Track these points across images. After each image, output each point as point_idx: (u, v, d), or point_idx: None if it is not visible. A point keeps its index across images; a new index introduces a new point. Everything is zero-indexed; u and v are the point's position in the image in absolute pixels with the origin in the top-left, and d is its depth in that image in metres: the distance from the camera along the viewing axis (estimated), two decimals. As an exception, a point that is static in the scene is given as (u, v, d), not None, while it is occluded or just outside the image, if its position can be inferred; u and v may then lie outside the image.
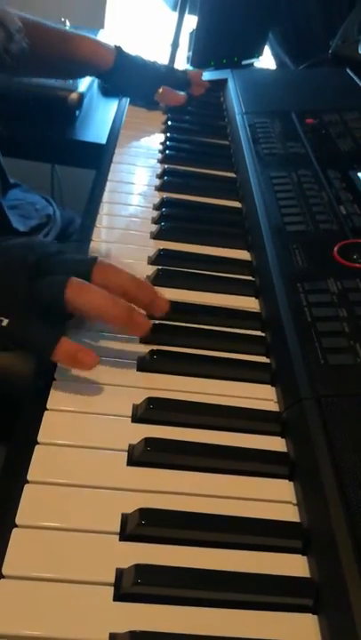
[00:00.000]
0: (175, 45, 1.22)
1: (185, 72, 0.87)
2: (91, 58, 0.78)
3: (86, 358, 0.38)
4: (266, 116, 0.77)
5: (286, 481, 0.37)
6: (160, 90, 0.80)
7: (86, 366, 0.38)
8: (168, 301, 0.42)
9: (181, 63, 1.20)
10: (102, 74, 0.80)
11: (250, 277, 0.54)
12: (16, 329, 0.37)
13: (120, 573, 0.31)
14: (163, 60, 0.89)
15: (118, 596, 0.30)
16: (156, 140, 0.77)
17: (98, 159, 0.73)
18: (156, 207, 0.62)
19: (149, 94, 0.81)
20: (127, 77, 0.80)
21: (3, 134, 0.72)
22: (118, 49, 0.79)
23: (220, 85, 0.91)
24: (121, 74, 0.79)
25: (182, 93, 0.83)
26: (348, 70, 0.91)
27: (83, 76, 0.90)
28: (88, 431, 0.38)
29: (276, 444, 0.39)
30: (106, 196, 0.62)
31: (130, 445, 0.37)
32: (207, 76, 0.91)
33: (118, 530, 0.33)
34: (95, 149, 0.86)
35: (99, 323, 0.42)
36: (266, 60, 1.24)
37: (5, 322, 0.36)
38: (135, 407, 0.40)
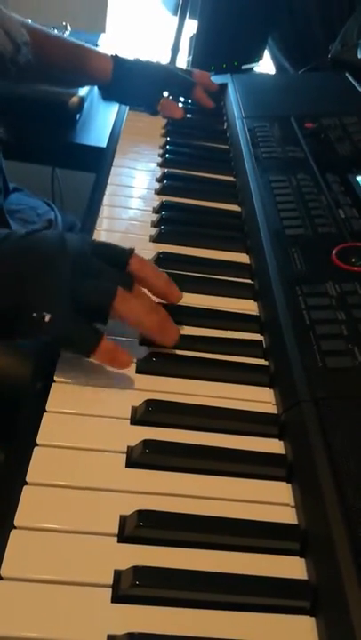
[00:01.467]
0: (175, 50, 1.22)
1: (190, 72, 0.87)
2: (89, 68, 0.78)
3: (123, 357, 0.40)
4: (265, 120, 0.77)
5: (284, 483, 0.37)
6: (162, 101, 0.81)
7: (124, 365, 0.40)
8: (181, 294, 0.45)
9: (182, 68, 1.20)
10: (102, 86, 0.81)
11: (249, 280, 0.54)
12: (58, 326, 0.38)
13: (118, 575, 0.31)
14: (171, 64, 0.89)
15: (116, 598, 0.30)
16: (156, 144, 0.77)
17: (98, 162, 0.74)
18: (156, 210, 0.62)
19: (151, 102, 0.81)
20: (127, 87, 0.80)
21: (4, 138, 0.72)
22: (115, 58, 0.79)
23: (220, 90, 0.92)
24: (121, 84, 0.79)
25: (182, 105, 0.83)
26: (347, 75, 0.91)
27: (81, 85, 0.90)
28: (87, 433, 0.38)
29: (275, 446, 0.39)
30: (106, 200, 0.63)
31: (128, 447, 0.37)
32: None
33: (117, 531, 0.33)
34: (95, 153, 0.86)
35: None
36: (265, 65, 1.24)
37: (48, 317, 0.37)
38: (134, 409, 0.40)
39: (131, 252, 0.42)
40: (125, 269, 0.42)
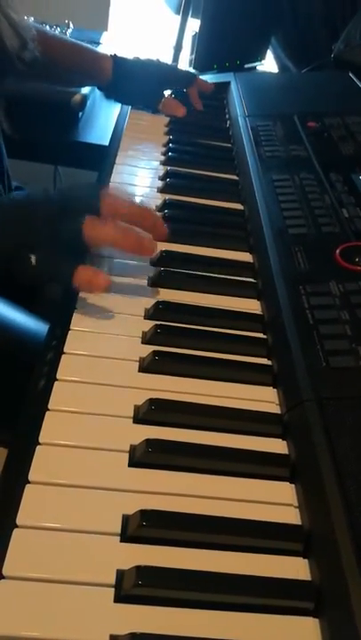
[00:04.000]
0: (178, 48, 1.22)
1: (190, 74, 0.87)
2: (88, 69, 0.78)
3: (100, 280, 0.44)
4: (268, 118, 0.77)
5: (287, 483, 0.37)
6: (164, 100, 0.81)
7: (102, 286, 0.45)
8: (166, 228, 0.49)
9: (184, 66, 1.20)
10: (102, 86, 0.81)
11: (252, 279, 0.54)
12: (43, 264, 0.44)
13: (121, 575, 0.31)
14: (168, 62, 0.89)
15: (119, 598, 0.30)
16: (158, 142, 0.77)
17: (100, 161, 0.73)
18: (159, 209, 0.62)
19: (152, 101, 0.81)
20: (127, 87, 0.80)
21: (7, 132, 0.72)
22: (115, 58, 0.78)
23: (222, 88, 0.92)
24: (121, 84, 0.79)
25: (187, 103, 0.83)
26: (350, 74, 0.91)
27: (81, 85, 0.90)
28: (89, 432, 0.38)
29: (278, 446, 0.39)
30: (108, 198, 0.62)
31: (131, 446, 0.37)
32: (210, 78, 0.91)
33: (119, 531, 0.33)
34: (98, 151, 0.86)
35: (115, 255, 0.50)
36: (268, 64, 1.24)
37: (33, 259, 0.44)
38: (137, 408, 0.40)
39: (100, 193, 0.47)
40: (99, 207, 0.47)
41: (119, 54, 0.79)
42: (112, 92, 0.82)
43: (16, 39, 0.66)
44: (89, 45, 0.80)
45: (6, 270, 0.45)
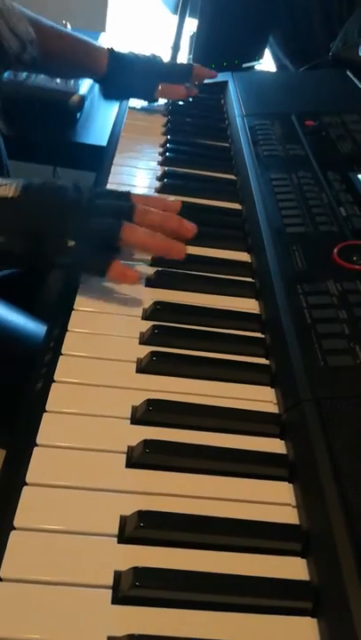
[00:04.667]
0: (176, 48, 1.22)
1: (187, 64, 0.86)
2: (85, 61, 0.78)
3: (132, 273, 0.48)
4: (266, 118, 0.77)
5: (286, 483, 0.36)
6: (159, 87, 0.80)
7: (134, 279, 0.48)
8: (194, 225, 0.52)
9: (182, 66, 1.20)
10: (98, 78, 0.80)
11: (250, 279, 0.53)
12: (78, 251, 0.46)
13: (118, 576, 0.31)
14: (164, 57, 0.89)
15: (117, 599, 0.30)
16: (156, 143, 0.77)
17: (98, 161, 0.73)
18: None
19: (148, 92, 0.81)
20: (123, 80, 0.79)
21: (4, 131, 0.72)
22: (111, 51, 0.78)
23: (220, 88, 0.92)
24: (117, 76, 0.78)
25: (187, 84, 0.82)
26: (348, 73, 0.91)
27: (77, 77, 0.90)
28: (87, 433, 0.37)
29: (276, 445, 0.39)
30: (106, 198, 0.62)
31: (129, 447, 0.37)
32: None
33: (117, 532, 0.32)
34: (96, 151, 0.86)
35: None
36: (266, 63, 1.24)
37: (72, 243, 0.46)
38: (134, 409, 0.40)
39: (131, 207, 0.50)
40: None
41: (116, 49, 0.79)
42: (108, 85, 0.81)
43: (16, 42, 0.66)
44: (85, 37, 0.80)
45: (36, 251, 0.47)
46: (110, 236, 0.47)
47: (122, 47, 0.81)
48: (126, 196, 0.51)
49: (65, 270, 0.51)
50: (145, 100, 0.83)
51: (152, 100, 0.82)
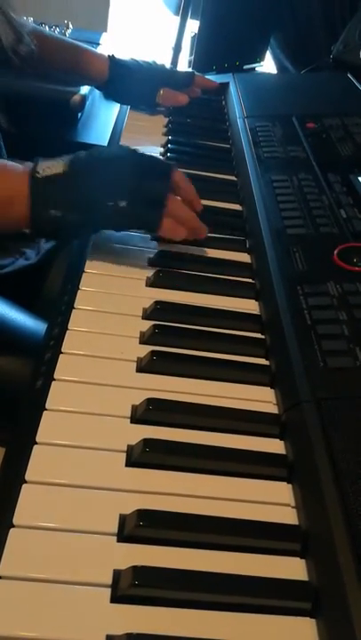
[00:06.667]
0: (177, 49, 1.22)
1: (187, 72, 0.87)
2: (85, 69, 0.78)
3: (182, 230, 0.51)
4: (267, 119, 0.77)
5: (285, 483, 0.36)
6: (161, 92, 0.80)
7: (183, 235, 0.52)
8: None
9: (184, 67, 1.20)
10: (99, 86, 0.81)
11: (250, 280, 0.54)
12: (130, 209, 0.49)
13: (117, 575, 0.31)
14: (165, 63, 0.89)
15: (116, 598, 0.30)
16: (157, 143, 0.77)
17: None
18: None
19: (150, 99, 0.81)
20: (125, 87, 0.80)
21: (5, 127, 0.72)
22: (112, 59, 0.79)
23: (221, 89, 0.92)
24: (117, 84, 0.79)
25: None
26: (349, 75, 0.91)
27: (79, 84, 0.90)
28: (87, 432, 0.37)
29: (275, 446, 0.39)
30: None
31: (128, 446, 0.37)
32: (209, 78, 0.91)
33: (116, 531, 0.32)
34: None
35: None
36: (267, 65, 1.24)
37: (123, 203, 0.49)
38: (134, 408, 0.40)
39: (173, 166, 0.54)
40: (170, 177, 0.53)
41: (117, 55, 0.80)
42: (109, 92, 0.82)
43: (11, 33, 0.66)
44: (86, 46, 0.80)
45: (92, 218, 0.50)
46: (159, 193, 0.50)
47: (123, 49, 0.81)
48: (170, 167, 0.53)
49: (120, 229, 0.53)
50: (146, 108, 0.83)
51: (153, 108, 0.82)
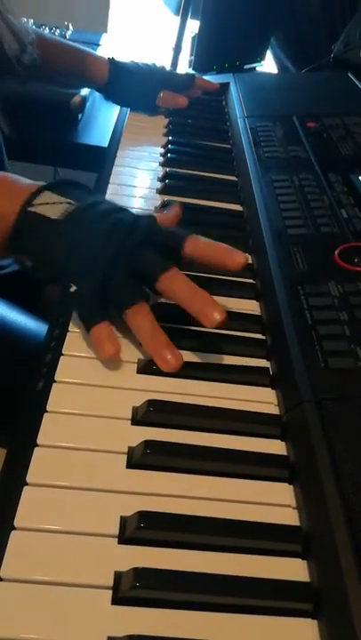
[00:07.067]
0: (178, 49, 1.22)
1: (187, 74, 0.87)
2: (85, 72, 0.78)
3: (107, 348, 0.41)
4: (267, 119, 0.77)
5: (286, 484, 0.36)
6: (161, 94, 0.80)
7: (104, 354, 0.42)
8: (245, 256, 0.46)
9: (184, 67, 1.20)
10: (99, 88, 0.81)
11: (251, 280, 0.53)
12: (76, 298, 0.43)
13: (118, 577, 0.31)
14: (165, 64, 0.89)
15: (117, 600, 0.30)
16: (157, 143, 0.77)
17: (100, 162, 0.73)
18: (158, 210, 0.62)
19: (150, 102, 0.81)
20: (124, 89, 0.80)
21: (6, 131, 0.72)
22: (112, 61, 0.79)
23: (222, 89, 0.92)
24: (117, 87, 0.79)
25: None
26: (349, 74, 0.91)
27: (78, 87, 0.90)
28: (88, 433, 0.37)
29: (277, 447, 0.39)
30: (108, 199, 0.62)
31: (129, 448, 0.37)
32: (209, 79, 0.91)
33: (117, 533, 0.32)
34: (97, 152, 0.86)
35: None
36: (268, 65, 1.24)
37: (73, 288, 0.42)
38: (135, 409, 0.40)
39: (185, 236, 0.46)
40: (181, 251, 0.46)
41: (117, 58, 0.80)
42: (109, 95, 0.82)
43: (15, 43, 0.66)
44: (86, 48, 0.81)
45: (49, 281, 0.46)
46: (149, 276, 0.43)
47: (124, 49, 0.81)
48: (181, 238, 0.45)
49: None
50: (146, 111, 0.83)
51: (153, 110, 0.82)
